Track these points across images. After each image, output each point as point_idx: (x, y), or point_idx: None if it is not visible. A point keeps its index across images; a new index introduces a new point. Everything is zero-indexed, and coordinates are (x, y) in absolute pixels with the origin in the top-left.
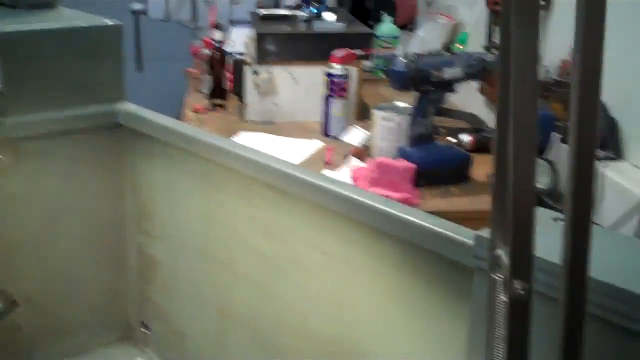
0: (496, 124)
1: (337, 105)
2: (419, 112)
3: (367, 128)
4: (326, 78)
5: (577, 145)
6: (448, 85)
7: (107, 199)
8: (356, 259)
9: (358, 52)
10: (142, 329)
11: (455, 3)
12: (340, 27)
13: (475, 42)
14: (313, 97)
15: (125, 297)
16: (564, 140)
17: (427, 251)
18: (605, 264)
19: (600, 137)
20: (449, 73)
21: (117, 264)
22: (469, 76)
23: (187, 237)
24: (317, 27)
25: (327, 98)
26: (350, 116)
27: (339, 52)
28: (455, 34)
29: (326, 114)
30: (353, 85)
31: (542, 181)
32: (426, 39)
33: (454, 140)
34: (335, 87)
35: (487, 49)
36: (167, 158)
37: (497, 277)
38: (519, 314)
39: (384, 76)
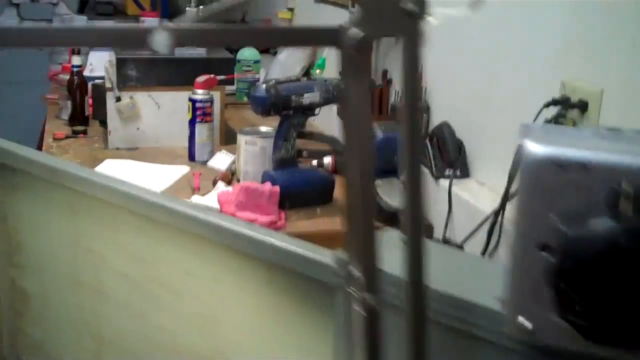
0: (345, 151)
1: (202, 130)
2: (281, 136)
3: (233, 152)
4: (190, 103)
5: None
6: (308, 110)
7: None
8: (224, 280)
9: (220, 77)
10: None
11: None
12: (201, 52)
13: (331, 67)
14: (177, 122)
15: (1, 331)
16: None
17: (291, 271)
18: (448, 278)
19: (449, 158)
20: (308, 98)
21: None
22: (326, 101)
23: (57, 267)
24: (179, 52)
25: (192, 123)
26: (215, 141)
27: (201, 78)
28: (314, 58)
29: (191, 139)
30: (217, 109)
31: (397, 200)
32: (287, 63)
33: (316, 163)
34: (200, 112)
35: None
36: (32, 189)
37: (352, 292)
38: (372, 323)
39: (247, 100)
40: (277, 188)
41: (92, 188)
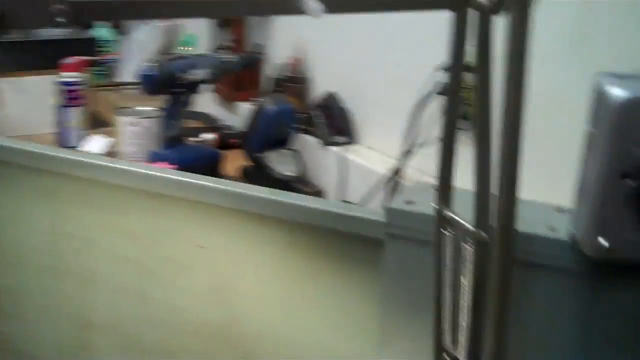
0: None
1: (74, 115)
2: (170, 115)
3: (107, 135)
4: (59, 87)
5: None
6: (195, 86)
7: None
8: (238, 248)
9: (87, 58)
10: None
11: None
12: (64, 32)
13: (203, 44)
14: (44, 107)
15: None
16: (303, 131)
17: (318, 229)
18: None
19: (338, 126)
20: (196, 75)
21: None
22: (214, 77)
23: (32, 258)
24: (37, 34)
25: (63, 108)
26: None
27: (69, 60)
28: (174, 36)
29: (61, 124)
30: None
31: (291, 169)
32: (145, 42)
33: (198, 140)
34: (71, 96)
35: (219, 49)
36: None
37: (447, 233)
38: (484, 256)
39: (104, 82)
40: (171, 166)
41: (79, 169)
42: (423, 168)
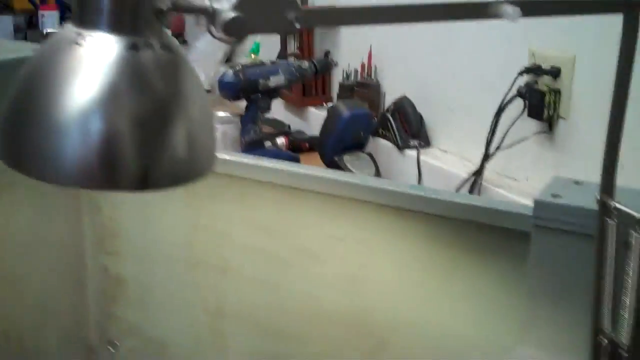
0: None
1: None
2: (249, 119)
3: None
4: None
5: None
6: (273, 92)
7: (67, 223)
8: (373, 239)
9: None
10: (109, 347)
11: None
12: None
13: (266, 51)
14: None
15: (88, 319)
16: (376, 135)
17: (459, 221)
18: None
19: (412, 130)
20: (274, 81)
21: (80, 288)
22: (290, 82)
23: (165, 250)
24: None
25: None
26: None
27: None
28: (235, 45)
29: None
30: None
31: (367, 172)
32: (207, 50)
33: (269, 144)
34: None
35: (283, 57)
36: None
37: (610, 221)
38: None
39: None
40: None
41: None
42: (501, 171)
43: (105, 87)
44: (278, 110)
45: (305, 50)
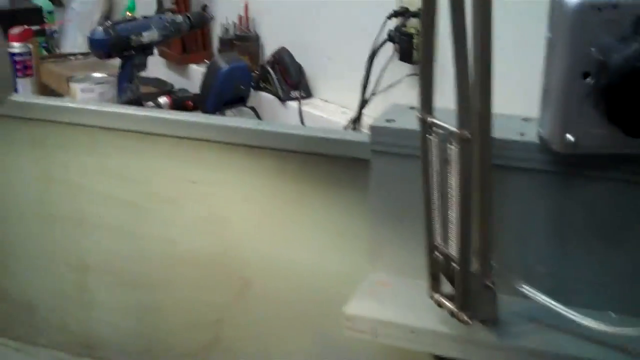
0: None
1: (24, 85)
2: (124, 78)
3: None
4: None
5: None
6: (148, 49)
7: None
8: (228, 179)
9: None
10: None
11: None
12: (5, 3)
13: (143, 9)
14: None
15: None
16: (258, 88)
17: (307, 154)
18: None
19: (293, 81)
20: (147, 36)
21: None
22: (165, 37)
23: (20, 208)
24: None
25: (13, 79)
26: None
27: (16, 29)
28: (110, 3)
29: None
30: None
31: None
32: (85, 11)
33: (152, 104)
34: (20, 66)
35: (163, 12)
36: None
37: (432, 138)
38: (467, 154)
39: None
40: None
41: (58, 114)
42: (378, 115)
43: None
44: (160, 69)
45: (182, 5)
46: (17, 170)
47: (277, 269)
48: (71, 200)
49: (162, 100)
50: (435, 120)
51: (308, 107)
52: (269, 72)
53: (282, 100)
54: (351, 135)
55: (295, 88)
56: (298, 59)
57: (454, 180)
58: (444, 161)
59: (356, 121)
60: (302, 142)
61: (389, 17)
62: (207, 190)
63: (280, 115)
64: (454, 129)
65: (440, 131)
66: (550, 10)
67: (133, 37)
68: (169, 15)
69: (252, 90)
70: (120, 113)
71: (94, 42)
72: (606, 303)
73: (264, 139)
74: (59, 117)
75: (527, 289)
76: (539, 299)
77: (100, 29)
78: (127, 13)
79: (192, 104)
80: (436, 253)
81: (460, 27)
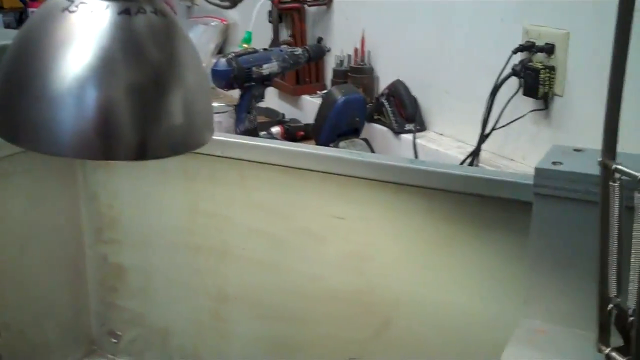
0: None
1: None
2: (243, 109)
3: None
4: None
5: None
6: (267, 80)
7: (64, 213)
8: (374, 216)
9: None
10: (111, 338)
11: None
12: None
13: (257, 40)
14: None
15: (89, 309)
16: (371, 120)
17: (458, 194)
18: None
19: (407, 114)
20: (267, 68)
21: (80, 278)
22: (284, 70)
23: (165, 236)
24: None
25: None
26: None
27: None
28: (226, 34)
29: None
30: None
31: None
32: (199, 41)
33: (265, 133)
34: None
35: (275, 44)
36: (133, 163)
37: (614, 185)
38: None
39: None
40: None
41: (211, 148)
42: (497, 151)
43: (98, 54)
44: (272, 99)
45: (298, 37)
46: (169, 200)
47: (420, 310)
48: (216, 231)
49: (275, 129)
50: (619, 167)
51: (422, 140)
52: (383, 104)
53: (396, 132)
54: (511, 177)
55: (410, 121)
56: (413, 92)
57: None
58: (627, 207)
59: (475, 155)
60: (455, 182)
61: (515, 52)
62: (352, 226)
63: (393, 148)
64: None
65: (625, 177)
66: None
67: (254, 69)
68: (288, 48)
69: (366, 122)
70: (268, 147)
71: (216, 73)
72: None
73: (413, 177)
74: (209, 150)
75: None
76: None
77: (224, 60)
78: (244, 45)
79: (303, 134)
80: (610, 305)
81: None
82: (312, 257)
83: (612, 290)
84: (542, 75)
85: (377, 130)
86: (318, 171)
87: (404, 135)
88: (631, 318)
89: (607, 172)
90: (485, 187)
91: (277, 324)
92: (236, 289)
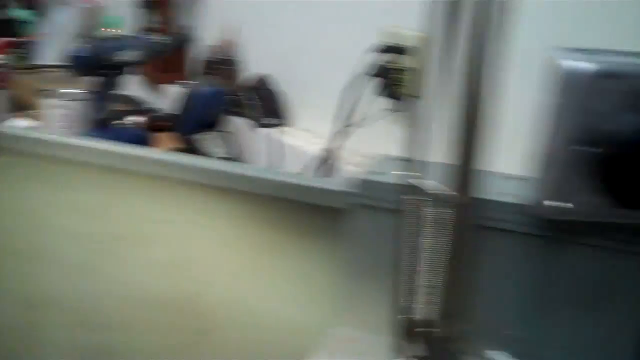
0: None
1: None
2: (98, 97)
3: (30, 119)
4: None
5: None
6: (127, 68)
7: None
8: (199, 220)
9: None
10: None
11: None
12: None
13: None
14: None
15: None
16: (236, 113)
17: (279, 200)
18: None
19: (272, 108)
20: (129, 55)
21: None
22: (144, 59)
23: None
24: None
25: None
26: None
27: None
28: (96, 17)
29: None
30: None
31: (223, 151)
32: (66, 23)
33: (126, 123)
34: None
35: (145, 31)
36: None
37: (412, 199)
38: (467, 217)
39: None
40: None
41: (20, 144)
42: (354, 148)
43: None
44: (137, 87)
45: (166, 25)
46: None
47: (239, 317)
48: (29, 233)
49: (138, 119)
50: (418, 181)
51: (285, 135)
52: (247, 97)
53: (259, 126)
54: (326, 183)
55: (273, 115)
56: (281, 87)
57: (435, 243)
58: (424, 223)
59: (330, 152)
60: (273, 187)
61: (373, 51)
62: (176, 231)
63: (256, 142)
64: (436, 191)
65: (424, 192)
66: (555, 76)
67: (113, 55)
68: (151, 35)
69: (230, 114)
70: (86, 146)
71: (74, 59)
72: None
73: (236, 181)
74: (15, 146)
75: (494, 356)
76: None
77: (82, 45)
78: (109, 29)
79: (168, 125)
80: (406, 315)
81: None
82: (133, 262)
83: (410, 301)
84: (400, 76)
85: (240, 124)
86: (141, 173)
87: (267, 130)
88: (425, 328)
89: (406, 186)
90: (301, 193)
91: (96, 331)
92: (51, 295)
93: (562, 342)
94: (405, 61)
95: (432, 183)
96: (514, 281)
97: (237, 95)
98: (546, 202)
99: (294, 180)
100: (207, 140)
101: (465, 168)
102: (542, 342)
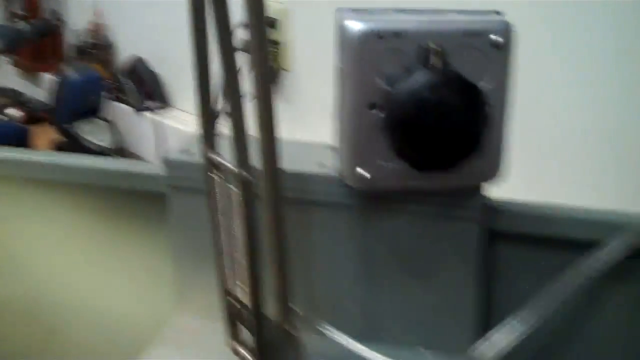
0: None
1: None
2: None
3: None
4: None
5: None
6: None
7: None
8: (22, 217)
9: None
10: None
11: None
12: None
13: None
14: None
15: None
16: (113, 99)
17: (105, 188)
18: None
19: (149, 91)
20: None
21: None
22: (9, 47)
23: None
24: None
25: None
26: None
27: None
28: None
29: None
30: None
31: (104, 139)
32: None
33: (2, 116)
34: None
35: (11, 19)
36: None
37: (215, 176)
38: (250, 197)
39: None
40: None
41: None
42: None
43: None
44: (12, 78)
45: (31, 11)
46: None
47: (82, 317)
48: None
49: (13, 111)
50: (217, 158)
51: (165, 117)
52: (124, 82)
53: (138, 110)
54: (143, 167)
55: (152, 98)
56: (156, 69)
57: (237, 224)
58: (230, 201)
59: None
60: (91, 175)
61: (239, 26)
62: (5, 228)
63: (137, 127)
64: (234, 168)
65: (226, 168)
66: (337, 36)
67: None
68: (12, 23)
69: (106, 100)
70: None
71: None
72: (416, 338)
73: (59, 173)
74: None
75: (329, 331)
76: (342, 341)
77: None
78: None
79: (45, 116)
80: (229, 299)
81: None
82: None
83: (231, 284)
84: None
85: (119, 109)
86: None
87: (146, 113)
88: (247, 311)
89: (208, 163)
90: (119, 179)
91: None
92: None
93: (397, 312)
94: (271, 34)
95: (230, 158)
96: (340, 256)
97: (113, 80)
98: (348, 172)
99: (104, 166)
100: (87, 129)
101: (266, 140)
102: (378, 314)
